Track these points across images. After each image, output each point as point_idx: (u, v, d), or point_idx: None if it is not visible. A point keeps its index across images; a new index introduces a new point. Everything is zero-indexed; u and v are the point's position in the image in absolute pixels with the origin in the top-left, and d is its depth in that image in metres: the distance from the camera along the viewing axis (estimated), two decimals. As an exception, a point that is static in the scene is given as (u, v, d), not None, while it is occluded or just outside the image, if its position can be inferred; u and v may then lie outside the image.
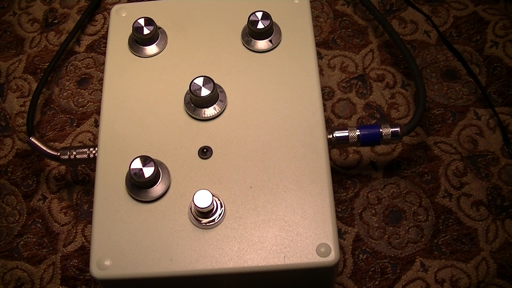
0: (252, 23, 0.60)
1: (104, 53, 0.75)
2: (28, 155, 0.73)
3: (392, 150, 0.71)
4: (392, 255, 0.65)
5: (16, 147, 0.74)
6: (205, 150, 0.56)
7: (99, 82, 0.77)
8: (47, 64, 0.78)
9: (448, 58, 0.76)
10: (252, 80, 0.59)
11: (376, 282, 0.64)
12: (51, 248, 0.68)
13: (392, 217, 0.67)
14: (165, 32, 0.62)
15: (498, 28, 0.78)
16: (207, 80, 0.56)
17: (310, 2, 0.66)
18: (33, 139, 0.66)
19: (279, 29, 0.61)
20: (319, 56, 0.77)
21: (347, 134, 0.61)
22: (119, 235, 0.52)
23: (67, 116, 0.75)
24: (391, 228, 0.67)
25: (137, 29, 0.60)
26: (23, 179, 0.72)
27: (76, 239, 0.68)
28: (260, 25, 0.59)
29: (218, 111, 0.57)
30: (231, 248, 0.51)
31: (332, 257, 0.50)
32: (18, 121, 0.76)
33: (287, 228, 0.52)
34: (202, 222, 0.52)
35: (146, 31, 0.60)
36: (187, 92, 0.58)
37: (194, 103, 0.57)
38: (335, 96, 0.74)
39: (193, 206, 0.52)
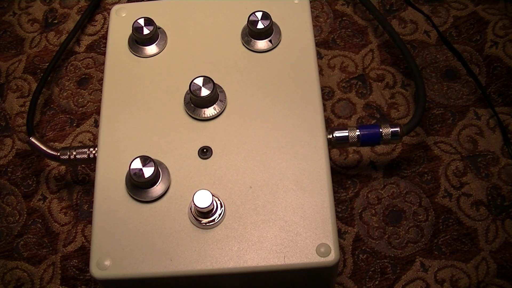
0: (252, 23, 0.60)
1: (104, 53, 0.75)
2: (28, 155, 0.73)
3: (392, 150, 0.71)
4: (392, 255, 0.65)
5: (16, 147, 0.74)
6: (205, 150, 0.56)
7: (99, 82, 0.77)
8: (47, 64, 0.78)
9: (448, 58, 0.76)
10: (252, 80, 0.59)
11: (376, 282, 0.64)
12: (51, 248, 0.68)
13: (392, 217, 0.67)
14: (165, 32, 0.62)
15: (498, 28, 0.78)
16: (207, 80, 0.56)
17: (310, 2, 0.66)
18: (33, 139, 0.66)
19: (279, 29, 0.61)
20: (319, 56, 0.77)
21: (347, 134, 0.61)
22: (119, 235, 0.52)
23: (67, 116, 0.75)
24: (391, 228, 0.67)
25: (137, 29, 0.60)
26: (23, 179, 0.72)
27: (76, 239, 0.68)
28: (260, 25, 0.59)
29: (218, 111, 0.57)
30: (231, 248, 0.51)
31: (332, 257, 0.50)
32: (18, 121, 0.76)
33: (287, 228, 0.52)
34: (202, 222, 0.52)
35: (146, 31, 0.60)
36: (187, 92, 0.58)
37: (194, 103, 0.57)
38: (335, 96, 0.74)
39: (193, 206, 0.52)
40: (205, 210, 0.51)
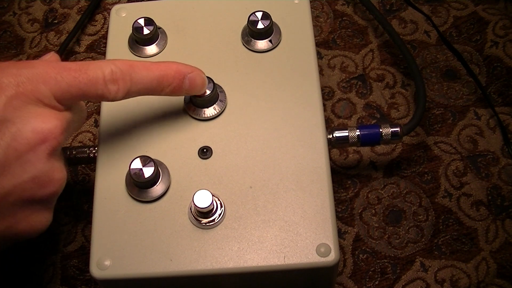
0: (252, 23, 0.60)
1: (104, 53, 0.75)
2: (28, 155, 0.73)
3: (392, 150, 0.71)
4: (392, 255, 0.65)
5: (16, 147, 0.74)
6: (205, 150, 0.56)
7: (99, 82, 0.77)
8: (47, 64, 0.78)
9: (448, 58, 0.76)
10: (252, 80, 0.59)
11: (376, 282, 0.64)
12: (51, 248, 0.68)
13: (392, 217, 0.67)
14: (165, 32, 0.62)
15: (498, 28, 0.78)
16: (207, 80, 0.56)
17: (310, 2, 0.66)
18: (33, 139, 0.66)
19: (279, 29, 0.61)
20: (319, 56, 0.77)
21: (347, 134, 0.61)
22: (119, 235, 0.52)
23: (67, 116, 0.75)
24: (391, 228, 0.67)
25: (137, 29, 0.60)
26: (23, 179, 0.72)
27: (76, 239, 0.68)
28: (260, 25, 0.59)
29: (218, 111, 0.57)
30: (231, 248, 0.51)
31: (332, 257, 0.50)
32: (18, 121, 0.75)
33: (287, 228, 0.52)
34: (202, 222, 0.52)
35: (146, 31, 0.60)
36: (187, 92, 0.58)
37: (194, 103, 0.57)
38: (335, 96, 0.74)
39: (193, 206, 0.52)
40: (205, 210, 0.51)
